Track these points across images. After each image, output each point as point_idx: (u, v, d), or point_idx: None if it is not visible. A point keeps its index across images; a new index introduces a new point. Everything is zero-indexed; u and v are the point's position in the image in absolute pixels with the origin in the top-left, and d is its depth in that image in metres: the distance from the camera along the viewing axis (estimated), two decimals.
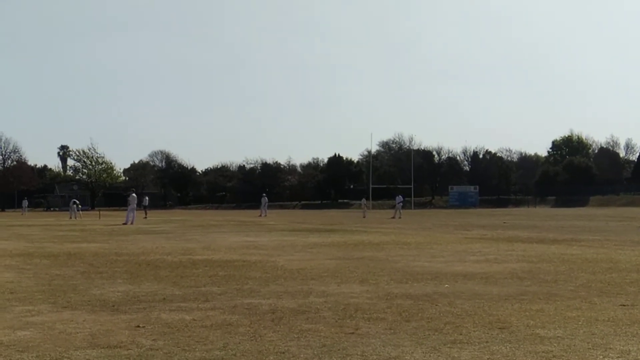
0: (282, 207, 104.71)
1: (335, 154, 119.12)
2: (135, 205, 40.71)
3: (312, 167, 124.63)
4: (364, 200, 64.28)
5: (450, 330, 6.87)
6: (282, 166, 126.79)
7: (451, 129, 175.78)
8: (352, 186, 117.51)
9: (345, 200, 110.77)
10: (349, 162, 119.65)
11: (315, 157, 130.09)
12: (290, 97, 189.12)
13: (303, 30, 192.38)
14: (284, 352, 5.93)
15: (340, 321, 7.39)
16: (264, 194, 64.11)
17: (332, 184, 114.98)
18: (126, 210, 40.81)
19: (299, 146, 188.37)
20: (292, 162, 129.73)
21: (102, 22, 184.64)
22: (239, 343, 6.33)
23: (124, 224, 37.91)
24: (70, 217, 52.37)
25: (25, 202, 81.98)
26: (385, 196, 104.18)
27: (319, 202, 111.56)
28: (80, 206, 57.69)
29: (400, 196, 54.86)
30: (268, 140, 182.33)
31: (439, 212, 74.68)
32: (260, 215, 55.08)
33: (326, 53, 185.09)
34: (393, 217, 48.76)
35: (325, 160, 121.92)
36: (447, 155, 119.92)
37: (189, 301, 8.88)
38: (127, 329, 7.07)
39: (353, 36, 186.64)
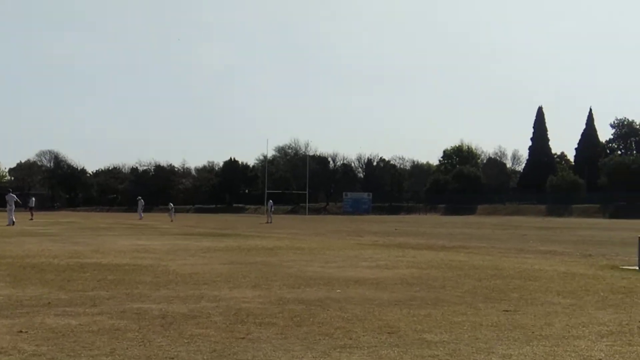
0: (175, 210, 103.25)
1: (230, 158, 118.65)
2: (13, 205, 39.55)
3: (207, 171, 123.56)
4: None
5: (341, 334, 6.95)
6: (176, 169, 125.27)
7: (346, 136, 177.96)
8: (247, 191, 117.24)
9: (240, 205, 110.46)
10: (245, 167, 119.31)
11: (210, 160, 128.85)
12: (186, 99, 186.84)
13: (201, 31, 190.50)
14: (173, 358, 5.85)
15: (231, 326, 7.35)
16: (139, 197, 63.27)
17: (227, 188, 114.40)
18: (6, 211, 39.75)
19: (194, 149, 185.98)
20: (186, 165, 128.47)
21: None
22: (127, 348, 6.20)
23: (7, 225, 36.64)
24: None
25: None
26: (281, 201, 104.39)
27: (214, 206, 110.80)
28: None
29: (271, 201, 56.70)
30: (162, 143, 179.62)
31: (333, 218, 75.44)
32: (140, 219, 54.68)
33: (224, 56, 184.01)
34: (267, 222, 49.37)
35: (221, 164, 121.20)
36: (342, 162, 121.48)
37: (76, 306, 8.63)
38: (8, 334, 6.81)
39: (252, 40, 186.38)
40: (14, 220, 38.31)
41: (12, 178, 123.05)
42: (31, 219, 48.39)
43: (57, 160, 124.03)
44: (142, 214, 59.13)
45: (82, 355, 5.92)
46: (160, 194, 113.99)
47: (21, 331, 6.94)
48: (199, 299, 9.37)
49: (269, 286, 10.86)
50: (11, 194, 41.19)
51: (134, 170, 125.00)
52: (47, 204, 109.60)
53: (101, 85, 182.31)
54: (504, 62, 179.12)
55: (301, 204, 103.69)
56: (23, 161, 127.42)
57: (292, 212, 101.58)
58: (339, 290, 10.41)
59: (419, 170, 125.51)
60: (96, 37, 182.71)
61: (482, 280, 11.93)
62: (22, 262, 14.47)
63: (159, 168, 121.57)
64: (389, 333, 7.05)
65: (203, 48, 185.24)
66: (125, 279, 11.67)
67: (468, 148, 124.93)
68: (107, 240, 23.30)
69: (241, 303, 8.98)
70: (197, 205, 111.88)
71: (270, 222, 48.61)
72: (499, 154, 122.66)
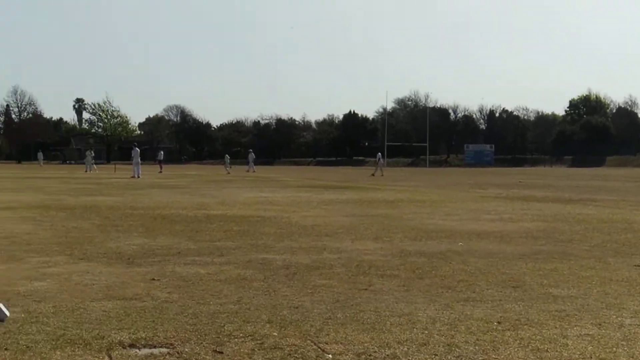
0: (296, 163, 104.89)
1: (350, 111, 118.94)
2: (138, 159, 41.51)
3: (327, 124, 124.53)
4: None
5: (464, 288, 6.87)
6: (297, 122, 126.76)
7: (467, 87, 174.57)
8: (367, 143, 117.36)
9: (360, 158, 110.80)
10: (364, 119, 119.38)
11: (330, 113, 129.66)
12: (307, 52, 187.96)
13: None
14: (297, 307, 5.95)
15: (353, 277, 7.41)
16: (250, 150, 64.21)
17: (347, 141, 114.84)
18: (132, 164, 42.03)
19: (315, 103, 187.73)
20: (307, 119, 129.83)
21: None
22: (253, 297, 6.36)
23: (132, 177, 38.57)
24: (86, 171, 52.59)
25: (40, 155, 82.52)
26: (401, 153, 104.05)
27: (334, 159, 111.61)
28: (94, 154, 57.36)
29: (379, 153, 56.15)
30: (284, 96, 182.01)
31: (455, 170, 74.49)
32: (248, 171, 55.31)
33: (343, 9, 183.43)
34: (373, 175, 48.62)
35: (341, 117, 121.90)
36: (463, 114, 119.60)
37: (204, 255, 8.92)
38: (142, 281, 7.13)
39: None
40: (140, 173, 40.13)
41: (142, 132, 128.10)
42: (160, 172, 50.37)
43: (184, 114, 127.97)
44: (254, 167, 59.52)
45: (211, 302, 6.12)
46: (281, 148, 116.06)
47: (154, 279, 7.24)
48: (322, 250, 9.49)
49: (390, 238, 10.87)
50: (137, 148, 43.23)
51: (256, 124, 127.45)
52: (174, 157, 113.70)
53: (228, 38, 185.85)
54: (632, 5, 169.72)
55: (421, 157, 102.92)
56: (152, 116, 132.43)
57: (412, 164, 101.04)
58: (461, 243, 10.29)
59: (543, 121, 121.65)
60: None
61: (611, 234, 11.49)
62: (153, 214, 15.09)
63: (280, 122, 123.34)
64: (513, 287, 6.92)
65: (322, 1, 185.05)
66: (250, 230, 11.96)
67: (596, 97, 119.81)
68: (232, 193, 23.94)
69: (363, 255, 9.04)
70: (317, 158, 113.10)
71: (382, 175, 48.16)
72: (630, 103, 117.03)
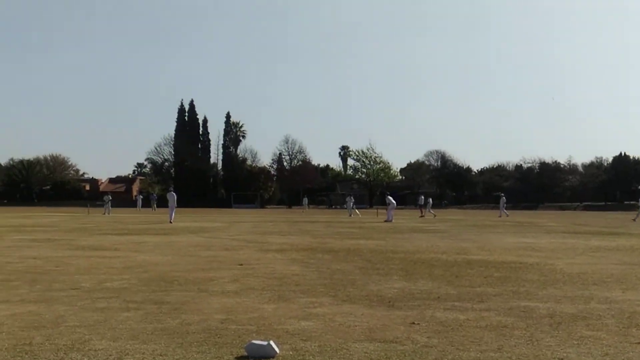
0: (561, 208, 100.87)
1: (620, 153, 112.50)
2: (394, 205, 43.11)
3: (594, 167, 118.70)
4: None
5: None
6: (561, 165, 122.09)
7: None
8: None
9: (632, 202, 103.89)
10: (637, 162, 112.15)
11: (598, 156, 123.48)
12: (572, 94, 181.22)
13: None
14: (562, 359, 5.68)
15: (624, 330, 6.93)
16: (502, 195, 61.47)
17: (617, 185, 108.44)
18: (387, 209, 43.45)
19: (580, 145, 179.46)
20: (572, 162, 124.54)
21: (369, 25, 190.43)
22: (515, 346, 6.18)
23: (385, 220, 39.53)
24: (350, 215, 54.58)
25: (305, 200, 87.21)
26: None
27: (603, 203, 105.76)
28: (354, 200, 59.27)
29: None
30: (547, 139, 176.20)
31: None
32: (500, 217, 53.23)
33: (614, 44, 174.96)
34: (634, 220, 44.93)
35: (610, 159, 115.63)
36: None
37: (463, 301, 8.84)
38: (402, 324, 7.21)
39: None
40: (392, 218, 41.24)
41: (403, 177, 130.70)
42: (421, 216, 50.90)
43: (444, 159, 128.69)
44: (506, 212, 57.37)
45: (471, 349, 6.04)
46: (544, 192, 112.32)
47: (413, 323, 7.30)
48: (589, 299, 8.99)
49: None
50: (389, 196, 44.75)
51: (518, 167, 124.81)
52: (435, 202, 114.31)
53: (487, 81, 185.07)
54: None
55: None
56: (412, 161, 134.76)
57: None
58: None
59: None
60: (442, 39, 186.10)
61: None
62: (413, 257, 15.24)
63: (543, 165, 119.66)
64: None
65: (596, 38, 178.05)
66: (511, 276, 11.66)
67: None
68: (493, 238, 23.50)
69: (636, 306, 8.42)
70: (584, 203, 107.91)
71: (634, 220, 44.66)
72: None
